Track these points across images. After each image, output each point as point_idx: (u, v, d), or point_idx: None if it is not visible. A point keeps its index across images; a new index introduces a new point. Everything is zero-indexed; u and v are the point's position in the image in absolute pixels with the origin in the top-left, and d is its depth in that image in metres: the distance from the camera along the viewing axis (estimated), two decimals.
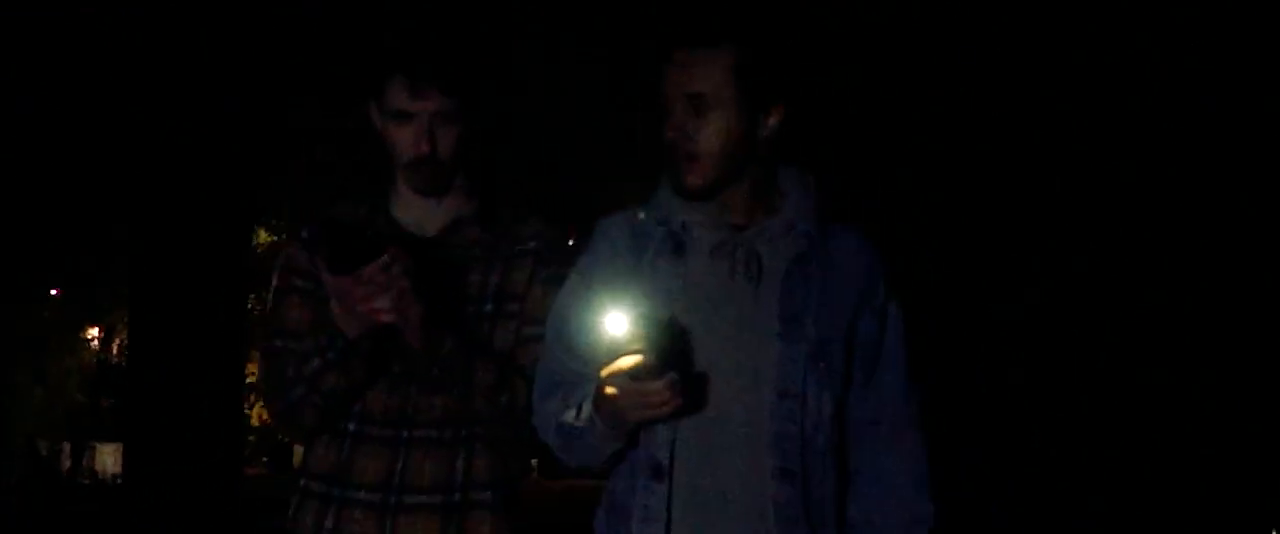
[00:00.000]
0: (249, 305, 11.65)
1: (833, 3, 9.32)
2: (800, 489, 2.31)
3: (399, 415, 2.52)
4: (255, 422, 26.84)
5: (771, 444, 2.30)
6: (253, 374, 13.18)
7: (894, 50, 9.32)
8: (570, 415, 2.33)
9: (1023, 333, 9.18)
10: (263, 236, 17.71)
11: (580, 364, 2.37)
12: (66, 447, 28.13)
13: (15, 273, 16.99)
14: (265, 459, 31.22)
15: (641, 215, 2.46)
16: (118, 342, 27.48)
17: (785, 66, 2.41)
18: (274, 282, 2.61)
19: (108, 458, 28.02)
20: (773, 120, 2.38)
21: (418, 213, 2.61)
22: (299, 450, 2.92)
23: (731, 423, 2.30)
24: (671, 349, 2.18)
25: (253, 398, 20.48)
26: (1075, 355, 9.22)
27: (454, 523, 2.49)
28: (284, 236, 15.37)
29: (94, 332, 27.02)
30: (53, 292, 22.48)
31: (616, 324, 2.14)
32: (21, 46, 10.02)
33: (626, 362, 2.13)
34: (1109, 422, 9.26)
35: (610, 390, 2.17)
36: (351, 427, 2.53)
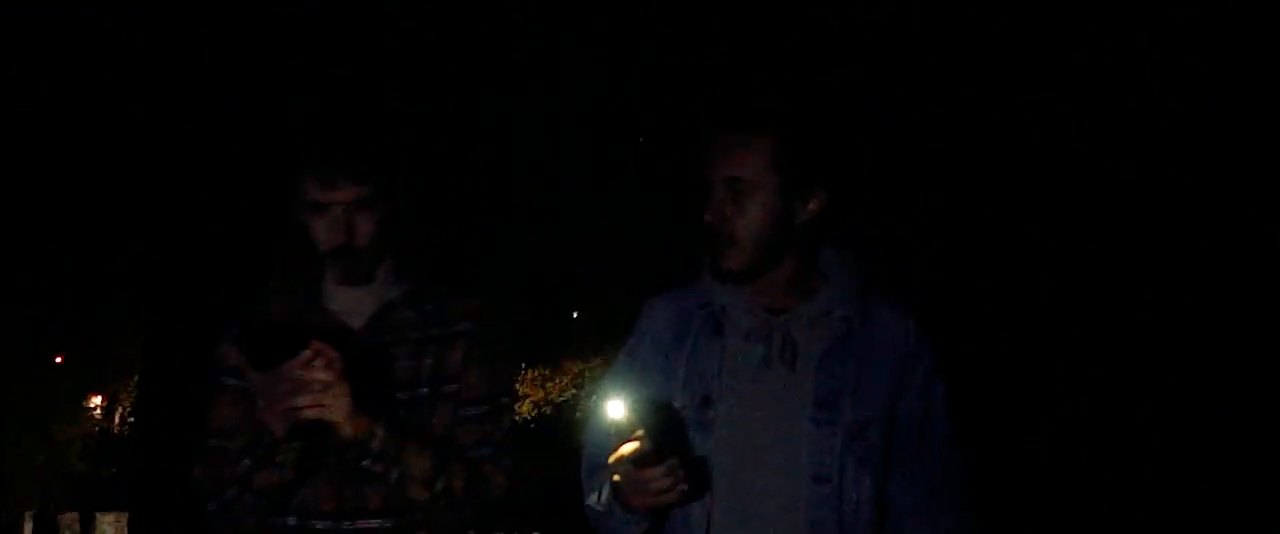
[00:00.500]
0: None
1: (872, 88, 9.41)
2: None
3: (338, 509, 2.47)
4: None
5: (808, 530, 2.28)
6: None
7: (931, 127, 9.42)
8: (593, 498, 2.32)
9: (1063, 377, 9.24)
10: None
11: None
12: (70, 517, 28.00)
13: (20, 340, 17.03)
14: None
15: (685, 297, 2.45)
16: (120, 411, 27.53)
17: (826, 153, 2.38)
18: (208, 381, 2.58)
19: (108, 528, 27.91)
20: (812, 206, 2.35)
21: (346, 302, 2.56)
22: None
23: (767, 507, 2.27)
24: (670, 434, 2.17)
25: None
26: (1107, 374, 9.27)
27: None
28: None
29: (97, 400, 27.04)
30: (57, 359, 22.49)
31: (615, 410, 2.15)
32: (35, 111, 10.05)
33: (628, 448, 2.13)
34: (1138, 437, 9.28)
35: (615, 477, 2.17)
36: (292, 521, 2.49)
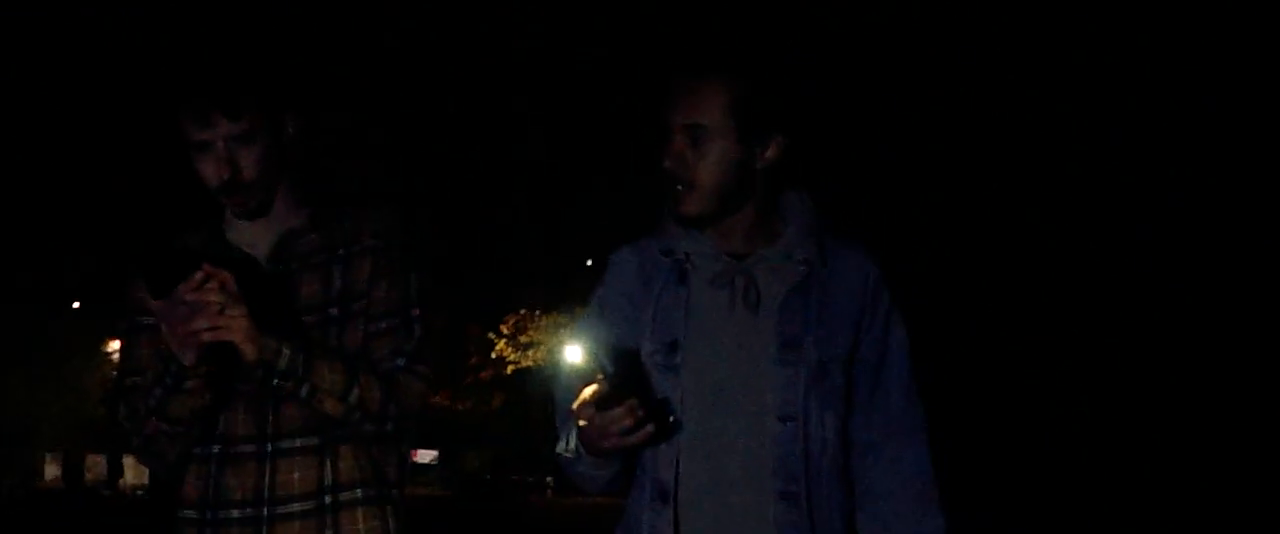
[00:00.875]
0: None
1: (830, 34, 9.41)
2: (804, 511, 2.31)
3: (259, 431, 2.48)
4: None
5: (775, 468, 2.31)
6: None
7: (893, 72, 9.40)
8: (561, 446, 2.34)
9: (1038, 337, 9.23)
10: None
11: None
12: (95, 459, 28.36)
13: (36, 286, 17.11)
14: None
15: (650, 245, 2.47)
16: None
17: (784, 99, 2.41)
18: (121, 324, 2.57)
19: (130, 471, 28.30)
20: (771, 151, 2.36)
21: (249, 234, 2.57)
22: None
23: (735, 447, 2.31)
24: (630, 375, 2.21)
25: None
26: (1090, 359, 9.25)
27: (329, 525, 2.49)
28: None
29: (114, 345, 27.29)
30: (73, 305, 22.68)
31: (575, 355, 2.23)
32: (61, 71, 10.14)
33: (588, 391, 2.15)
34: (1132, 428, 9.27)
35: (581, 421, 2.20)
36: (216, 449, 2.50)
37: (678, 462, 2.33)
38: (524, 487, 39.19)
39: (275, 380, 2.35)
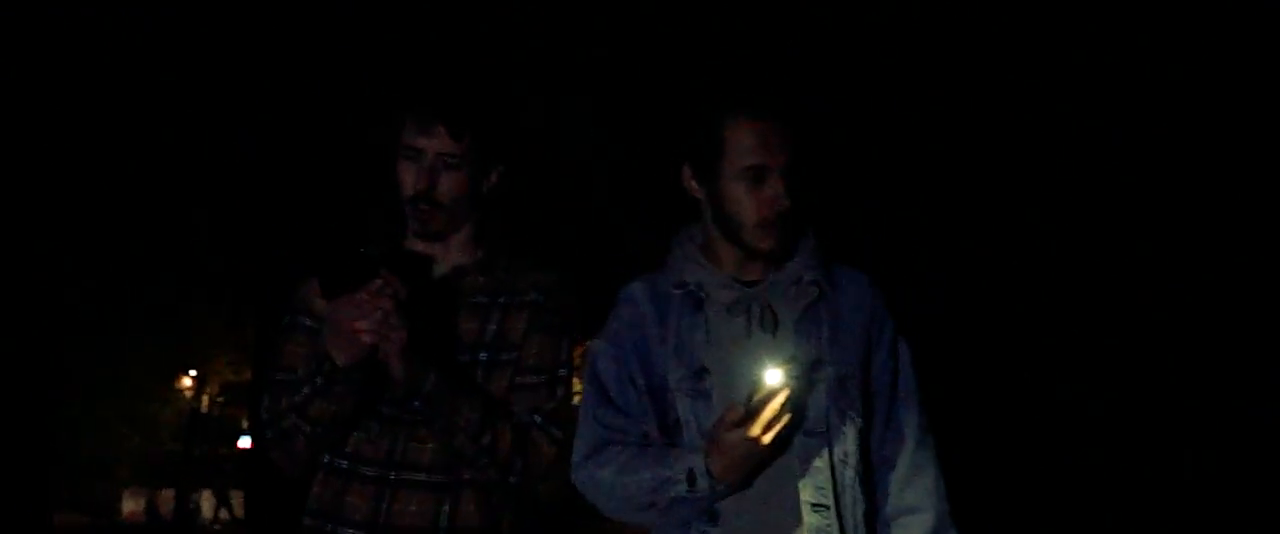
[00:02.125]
0: None
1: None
2: (835, 520, 2.40)
3: (388, 457, 2.53)
4: None
5: (805, 481, 2.40)
6: None
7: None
8: (679, 488, 2.38)
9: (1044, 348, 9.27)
10: None
11: (623, 419, 2.50)
12: (166, 494, 28.75)
13: (111, 321, 17.39)
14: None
15: (660, 280, 2.58)
16: (209, 391, 28.38)
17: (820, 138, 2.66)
18: (283, 319, 2.67)
19: (205, 503, 28.66)
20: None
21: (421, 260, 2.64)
22: None
23: (765, 463, 2.39)
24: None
25: None
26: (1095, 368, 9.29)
27: None
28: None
29: (187, 381, 27.68)
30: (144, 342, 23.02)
31: (773, 377, 2.27)
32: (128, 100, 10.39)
33: (782, 412, 2.30)
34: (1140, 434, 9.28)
35: (760, 446, 2.30)
36: (345, 465, 2.56)
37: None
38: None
39: (416, 403, 2.42)
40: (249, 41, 10.39)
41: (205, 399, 28.69)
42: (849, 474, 2.44)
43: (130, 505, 29.15)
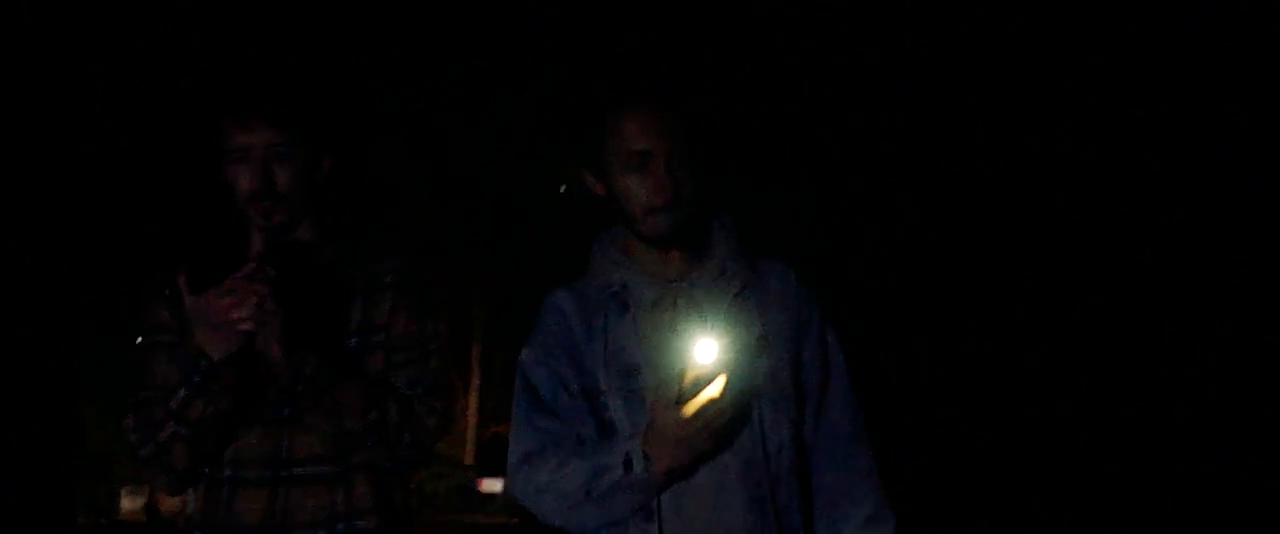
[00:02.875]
0: None
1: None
2: (771, 514, 2.40)
3: (274, 456, 2.52)
4: None
5: (741, 474, 2.39)
6: None
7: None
8: (614, 474, 2.36)
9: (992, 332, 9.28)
10: None
11: (556, 422, 2.49)
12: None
13: (113, 318, 17.40)
14: None
15: (584, 283, 2.57)
16: None
17: (721, 120, 2.68)
18: (138, 341, 2.63)
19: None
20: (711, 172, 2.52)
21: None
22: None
23: (707, 452, 2.37)
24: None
25: None
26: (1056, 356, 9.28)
27: None
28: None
29: None
30: (138, 339, 23.10)
31: (705, 353, 2.22)
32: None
33: (715, 389, 2.24)
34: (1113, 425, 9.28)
35: (697, 425, 2.26)
36: (227, 473, 2.53)
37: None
38: None
39: (300, 387, 2.39)
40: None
41: None
42: (784, 464, 2.43)
43: (128, 504, 29.15)
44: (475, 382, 32.70)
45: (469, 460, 32.28)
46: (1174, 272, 9.09)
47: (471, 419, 32.65)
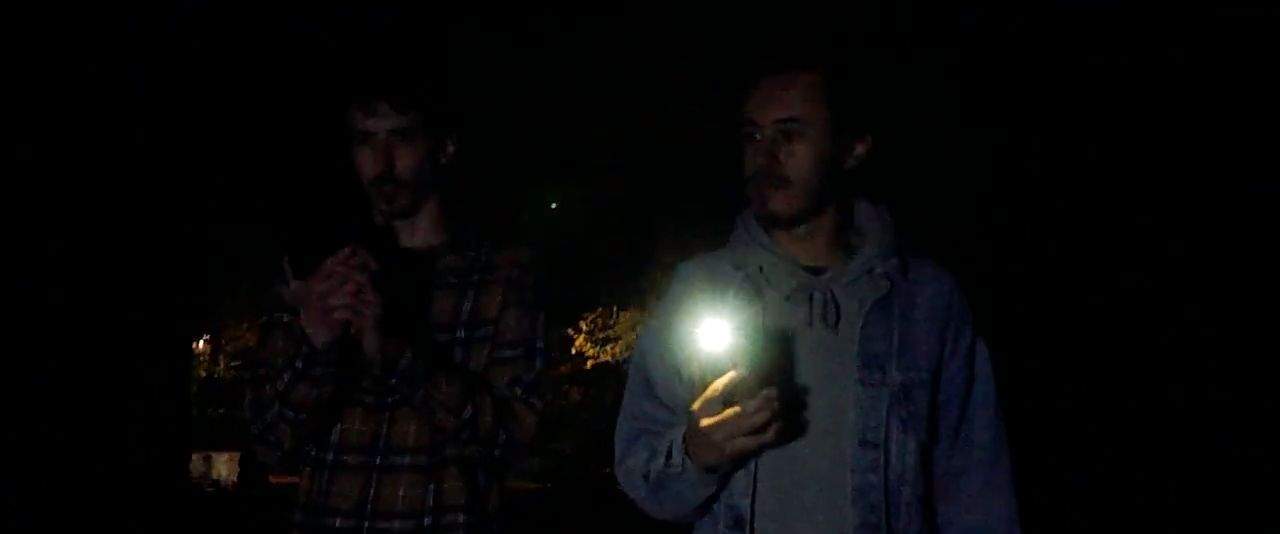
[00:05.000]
0: None
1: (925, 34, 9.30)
2: None
3: (372, 443, 2.53)
4: None
5: (854, 496, 2.19)
6: None
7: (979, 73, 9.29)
8: (659, 462, 2.22)
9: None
10: None
11: (665, 412, 2.34)
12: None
13: (119, 287, 17.39)
14: None
15: (722, 259, 2.39)
16: (223, 356, 28.72)
17: (875, 92, 2.35)
18: (261, 319, 2.68)
19: (223, 467, 28.69)
20: (860, 149, 2.32)
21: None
22: None
23: (812, 473, 2.20)
24: (772, 364, 2.10)
25: None
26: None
27: None
28: None
29: (200, 345, 27.74)
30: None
31: (713, 336, 2.02)
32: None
33: (721, 383, 2.04)
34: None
35: (706, 421, 2.07)
36: (329, 457, 2.55)
37: (754, 487, 2.19)
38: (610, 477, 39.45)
39: (393, 380, 2.40)
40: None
41: (222, 361, 28.82)
42: (906, 493, 2.23)
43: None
44: None
45: None
46: None
47: None
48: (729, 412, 2.03)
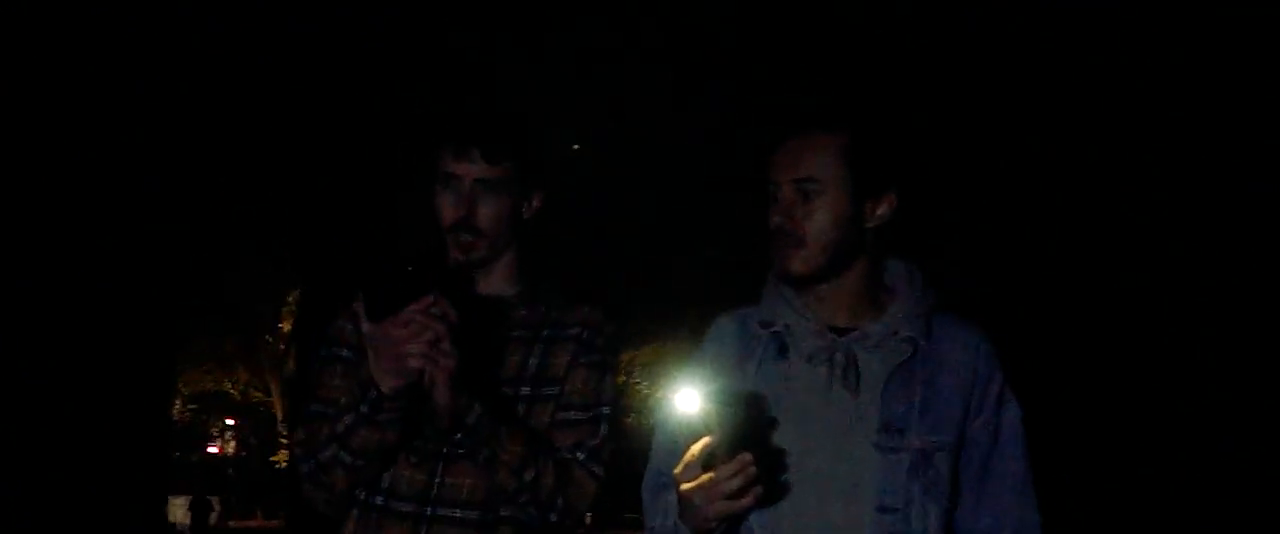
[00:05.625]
0: None
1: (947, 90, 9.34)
2: None
3: (425, 493, 2.47)
4: None
5: None
6: None
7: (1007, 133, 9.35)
8: (658, 520, 2.25)
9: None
10: None
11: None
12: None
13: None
14: None
15: (751, 316, 2.39)
16: (178, 401, 28.41)
17: (898, 152, 2.33)
18: (320, 351, 2.60)
19: (179, 511, 28.50)
20: (882, 209, 2.29)
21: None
22: None
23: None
24: (748, 427, 2.05)
25: None
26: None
27: None
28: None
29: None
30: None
31: (685, 403, 2.08)
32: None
33: (697, 447, 2.02)
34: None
35: (685, 486, 2.05)
36: (379, 501, 2.48)
37: None
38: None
39: (459, 434, 2.35)
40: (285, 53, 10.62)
41: (178, 404, 28.77)
42: None
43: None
44: None
45: None
46: None
47: None
48: (705, 477, 2.02)
